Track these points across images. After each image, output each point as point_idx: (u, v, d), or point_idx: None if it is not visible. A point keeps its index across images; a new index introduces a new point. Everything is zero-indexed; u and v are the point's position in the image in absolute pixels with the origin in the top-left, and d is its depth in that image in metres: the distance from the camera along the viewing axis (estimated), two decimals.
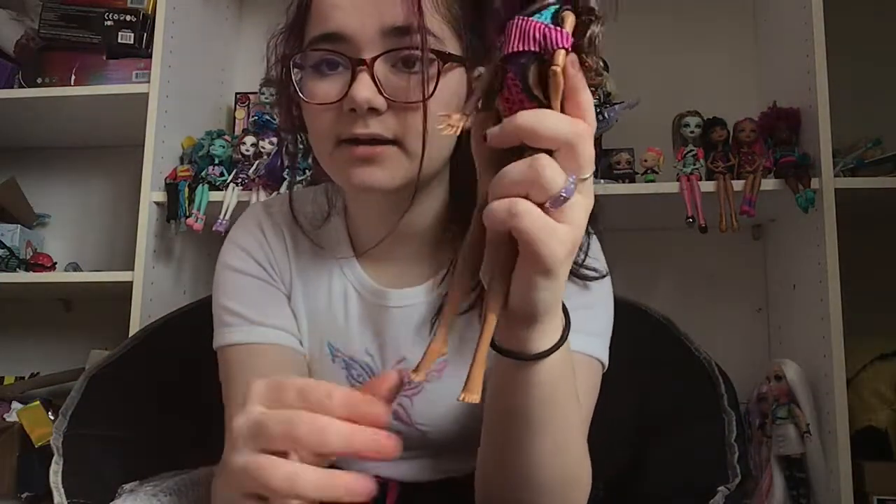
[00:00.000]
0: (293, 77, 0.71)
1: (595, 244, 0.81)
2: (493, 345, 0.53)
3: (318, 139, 0.72)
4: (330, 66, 0.69)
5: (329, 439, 0.44)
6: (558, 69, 0.43)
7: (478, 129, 0.48)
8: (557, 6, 0.44)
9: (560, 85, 0.44)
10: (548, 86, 0.44)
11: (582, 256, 0.77)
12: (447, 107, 0.69)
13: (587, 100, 0.45)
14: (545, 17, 0.44)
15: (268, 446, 0.45)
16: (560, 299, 0.52)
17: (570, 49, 0.44)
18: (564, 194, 0.44)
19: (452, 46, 0.70)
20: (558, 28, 0.44)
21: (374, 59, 0.67)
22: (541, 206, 0.45)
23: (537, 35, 0.44)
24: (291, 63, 0.71)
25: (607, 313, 0.80)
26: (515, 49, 0.44)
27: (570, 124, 0.44)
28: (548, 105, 0.44)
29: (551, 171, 0.44)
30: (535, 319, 0.51)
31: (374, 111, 0.67)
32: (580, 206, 0.46)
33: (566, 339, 0.55)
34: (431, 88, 0.67)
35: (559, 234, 0.45)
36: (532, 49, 0.44)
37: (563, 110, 0.45)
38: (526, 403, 0.57)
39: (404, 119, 0.68)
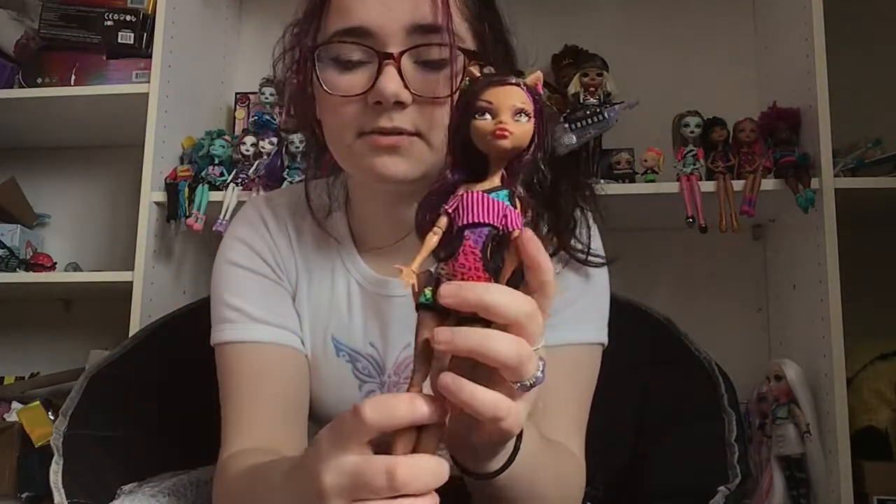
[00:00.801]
0: (316, 68, 0.71)
1: (595, 231, 0.82)
2: (454, 461, 0.55)
3: (338, 131, 0.72)
4: (352, 61, 0.70)
5: None
6: (520, 242, 0.46)
7: (419, 288, 0.48)
8: (509, 191, 0.47)
9: (514, 263, 0.46)
10: (499, 260, 0.46)
11: (587, 245, 0.78)
12: None
13: (550, 281, 0.47)
14: (502, 197, 0.47)
15: None
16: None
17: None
18: (533, 383, 0.47)
19: (470, 42, 0.72)
20: (517, 210, 0.46)
21: (402, 53, 0.68)
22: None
23: (500, 212, 0.46)
24: (315, 55, 0.71)
25: (605, 297, 0.82)
26: (480, 219, 0.46)
27: (529, 305, 0.46)
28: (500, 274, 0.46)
29: (531, 364, 0.46)
30: (488, 459, 0.55)
31: (399, 105, 0.68)
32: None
33: (518, 449, 0.56)
34: (457, 84, 0.68)
35: (522, 414, 0.48)
36: (494, 223, 0.46)
37: (526, 286, 0.47)
38: (498, 495, 0.60)
39: (428, 113, 0.69)
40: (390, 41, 0.68)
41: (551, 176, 0.78)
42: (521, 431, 0.54)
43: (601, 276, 0.81)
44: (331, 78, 0.70)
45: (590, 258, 0.78)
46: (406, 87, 0.68)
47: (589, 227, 0.80)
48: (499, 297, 0.45)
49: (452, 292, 0.45)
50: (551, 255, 0.76)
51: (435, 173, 0.72)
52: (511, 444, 0.55)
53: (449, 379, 0.45)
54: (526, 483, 0.61)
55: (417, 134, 0.70)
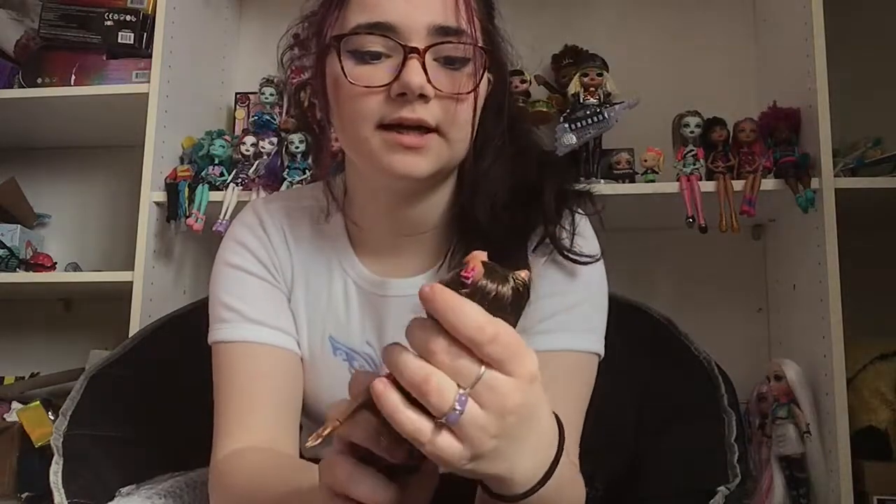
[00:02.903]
0: (340, 59, 0.71)
1: (585, 225, 0.82)
2: (480, 485, 0.53)
3: (356, 122, 0.72)
4: (373, 55, 0.70)
5: None
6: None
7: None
8: None
9: None
10: None
11: (568, 241, 0.77)
12: (482, 99, 0.74)
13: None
14: None
15: None
16: (523, 460, 0.49)
17: None
18: (446, 420, 0.44)
19: (482, 44, 0.73)
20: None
21: (427, 48, 0.69)
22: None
23: None
24: (341, 46, 0.71)
25: (599, 303, 0.80)
26: None
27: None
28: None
29: (437, 398, 0.44)
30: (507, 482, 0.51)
31: (422, 98, 0.69)
32: (470, 419, 0.45)
33: (553, 472, 0.52)
34: (477, 81, 0.71)
35: (449, 450, 0.45)
36: None
37: None
38: None
39: (448, 109, 0.70)
40: (413, 38, 0.69)
41: (536, 174, 0.79)
42: (560, 454, 0.52)
43: (593, 282, 0.80)
44: (351, 69, 0.71)
45: (573, 255, 0.77)
46: (429, 81, 0.69)
47: (574, 225, 0.79)
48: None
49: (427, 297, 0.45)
50: (533, 250, 0.76)
51: (449, 168, 0.75)
52: (545, 464, 0.52)
53: (381, 386, 0.45)
54: (563, 494, 0.58)
55: (437, 129, 0.71)
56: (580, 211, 0.81)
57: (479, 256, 0.47)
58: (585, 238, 0.80)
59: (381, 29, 0.69)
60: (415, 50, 0.68)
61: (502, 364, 0.45)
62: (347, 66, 0.71)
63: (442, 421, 0.44)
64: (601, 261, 0.81)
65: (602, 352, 0.79)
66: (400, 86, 0.68)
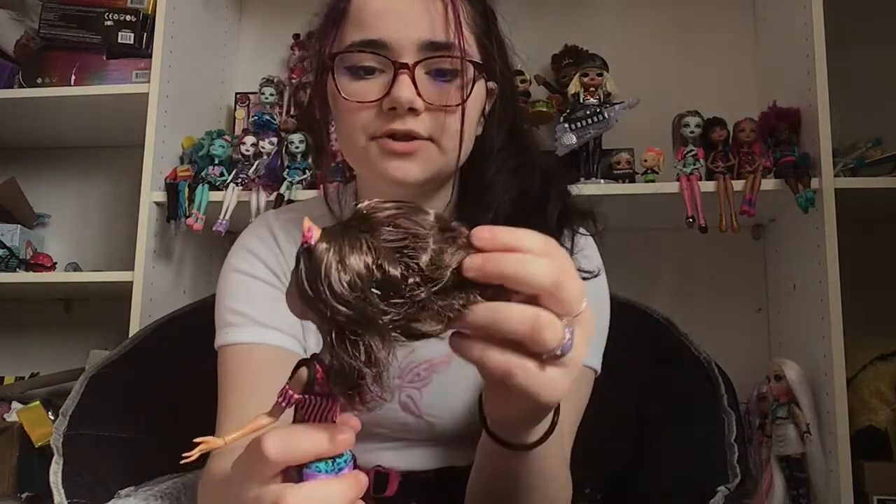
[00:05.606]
0: (335, 76, 0.74)
1: (590, 244, 0.83)
2: (487, 432, 0.58)
3: (351, 134, 0.75)
4: (367, 70, 0.73)
5: None
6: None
7: None
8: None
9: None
10: None
11: (569, 252, 0.78)
12: (474, 111, 0.76)
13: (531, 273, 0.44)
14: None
15: None
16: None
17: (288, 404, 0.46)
18: (561, 351, 0.44)
19: (475, 56, 0.75)
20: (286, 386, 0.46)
21: (416, 64, 0.72)
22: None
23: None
24: (336, 62, 0.74)
25: (600, 318, 0.81)
26: None
27: (552, 270, 0.43)
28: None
29: (550, 332, 0.43)
30: (528, 427, 0.56)
31: (412, 111, 0.71)
32: (578, 346, 0.45)
33: (556, 424, 0.57)
34: (468, 93, 0.73)
35: (556, 382, 0.45)
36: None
37: None
38: (517, 479, 0.62)
39: (439, 120, 0.73)
40: (404, 54, 0.72)
41: (541, 185, 0.80)
42: (559, 405, 0.55)
43: (593, 300, 0.80)
44: (347, 85, 0.74)
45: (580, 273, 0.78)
46: (419, 94, 0.71)
47: (573, 239, 0.80)
48: (521, 265, 0.43)
49: (476, 266, 0.43)
50: None
51: (444, 175, 0.77)
52: (549, 417, 0.56)
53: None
54: (556, 461, 0.63)
55: (430, 139, 0.73)
56: (583, 231, 0.83)
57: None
58: (588, 258, 0.82)
59: (374, 46, 0.72)
60: (404, 66, 0.71)
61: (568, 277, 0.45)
62: (343, 81, 0.74)
63: (558, 353, 0.44)
64: (605, 283, 0.82)
65: (599, 369, 0.80)
66: (390, 101, 0.71)
